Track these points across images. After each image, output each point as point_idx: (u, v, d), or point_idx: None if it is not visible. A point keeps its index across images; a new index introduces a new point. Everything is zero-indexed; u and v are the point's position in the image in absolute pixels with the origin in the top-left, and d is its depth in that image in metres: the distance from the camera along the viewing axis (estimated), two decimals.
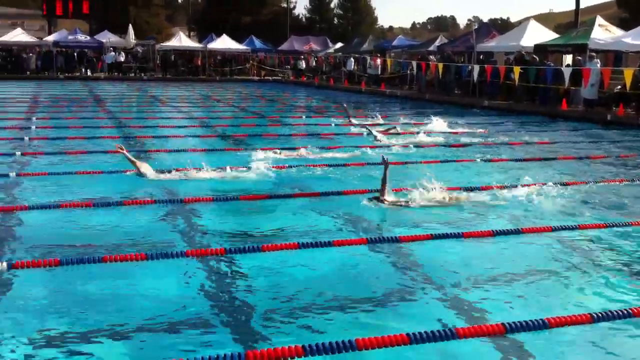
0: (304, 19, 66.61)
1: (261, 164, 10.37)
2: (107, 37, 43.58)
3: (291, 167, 10.70)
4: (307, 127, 16.57)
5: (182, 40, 46.31)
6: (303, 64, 45.87)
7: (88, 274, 5.61)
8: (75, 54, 43.98)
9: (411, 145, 13.58)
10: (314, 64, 46.36)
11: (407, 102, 28.59)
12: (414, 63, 32.08)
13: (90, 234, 6.85)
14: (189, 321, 4.69)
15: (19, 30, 45.21)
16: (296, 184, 9.53)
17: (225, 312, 4.89)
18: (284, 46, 49.42)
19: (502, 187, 9.10)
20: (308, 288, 5.43)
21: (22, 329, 4.53)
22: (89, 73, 42.17)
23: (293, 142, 13.43)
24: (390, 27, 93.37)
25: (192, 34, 60.35)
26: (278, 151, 11.86)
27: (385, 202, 7.98)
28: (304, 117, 18.42)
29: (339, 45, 47.69)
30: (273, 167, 10.44)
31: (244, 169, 10.20)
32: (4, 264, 5.63)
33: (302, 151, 12.05)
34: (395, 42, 42.56)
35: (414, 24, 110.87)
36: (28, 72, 40.70)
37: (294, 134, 15.59)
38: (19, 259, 5.85)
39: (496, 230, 7.04)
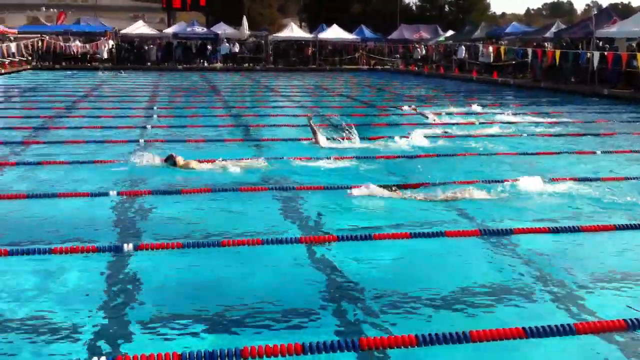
0: (414, 7, 65.90)
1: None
2: (222, 29, 44.94)
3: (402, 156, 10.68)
4: (416, 117, 16.44)
5: (293, 30, 47.05)
6: (419, 53, 45.34)
7: (208, 256, 5.87)
8: (193, 46, 45.65)
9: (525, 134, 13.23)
10: (423, 52, 45.82)
11: (521, 90, 27.77)
12: (530, 50, 31.05)
13: (210, 218, 7.15)
14: (301, 306, 4.82)
15: (140, 22, 47.47)
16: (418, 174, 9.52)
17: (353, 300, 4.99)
18: (394, 35, 49.11)
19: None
20: (422, 278, 5.44)
21: (144, 306, 4.82)
22: (205, 64, 43.69)
23: (402, 130, 13.38)
24: (503, 14, 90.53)
25: (303, 24, 61.14)
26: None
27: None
28: (413, 105, 18.27)
29: (449, 33, 46.83)
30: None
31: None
32: (130, 245, 6.00)
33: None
34: (508, 29, 41.28)
35: (528, 10, 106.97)
36: (149, 64, 42.64)
37: (404, 123, 15.52)
38: (144, 241, 6.20)
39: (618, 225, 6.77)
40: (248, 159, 10.03)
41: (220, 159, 9.84)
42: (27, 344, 4.21)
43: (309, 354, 3.81)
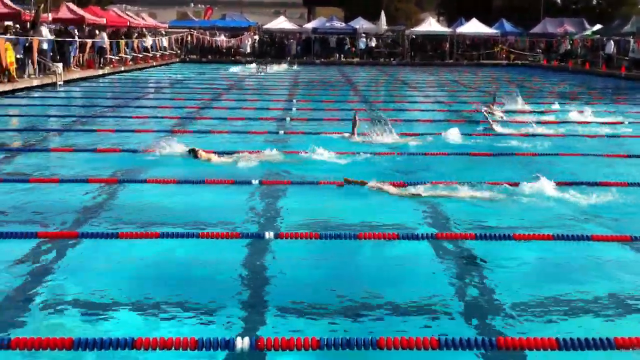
0: (558, 0, 63.03)
1: None
2: (360, 24, 45.31)
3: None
4: (559, 114, 15.80)
5: (431, 25, 46.58)
6: (563, 47, 43.39)
7: (343, 247, 6.01)
8: (331, 40, 46.34)
9: None
10: (568, 47, 43.77)
11: None
12: None
13: (344, 211, 7.30)
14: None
15: (282, 18, 48.90)
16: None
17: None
18: (536, 29, 47.30)
19: None
20: (563, 281, 5.29)
21: (279, 290, 5.03)
22: (342, 58, 44.22)
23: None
24: None
25: (440, 18, 60.30)
26: None
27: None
28: (556, 103, 17.56)
29: (597, 27, 44.42)
30: None
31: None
32: (271, 233, 6.25)
33: None
34: None
35: None
36: (288, 58, 43.76)
37: (545, 120, 14.97)
38: (284, 230, 6.44)
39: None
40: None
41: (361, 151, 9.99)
42: (169, 321, 4.52)
43: (444, 349, 3.82)
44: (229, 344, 3.90)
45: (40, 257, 5.77)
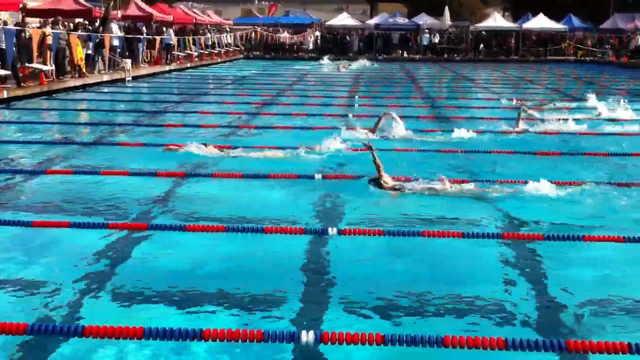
0: None
1: None
2: (423, 20, 44.91)
3: None
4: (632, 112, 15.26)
5: (496, 20, 45.71)
6: (634, 43, 41.93)
7: (406, 246, 5.99)
8: (394, 37, 46.09)
9: None
10: (638, 43, 42.25)
11: None
12: None
13: (406, 208, 7.28)
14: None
15: (344, 14, 48.88)
16: None
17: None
18: (606, 24, 45.86)
19: None
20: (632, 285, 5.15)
21: (343, 286, 5.05)
22: (405, 54, 43.94)
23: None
24: None
25: (506, 14, 59.15)
26: None
27: (385, 185, 7.74)
28: (625, 101, 17.00)
29: None
30: None
31: None
32: (334, 229, 6.29)
33: None
34: None
35: None
36: (350, 54, 43.72)
37: (617, 118, 14.51)
38: (346, 226, 6.46)
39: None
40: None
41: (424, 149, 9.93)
42: (235, 313, 4.61)
43: (511, 349, 3.77)
44: (294, 337, 3.96)
45: (111, 248, 5.96)
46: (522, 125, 12.57)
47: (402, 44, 45.36)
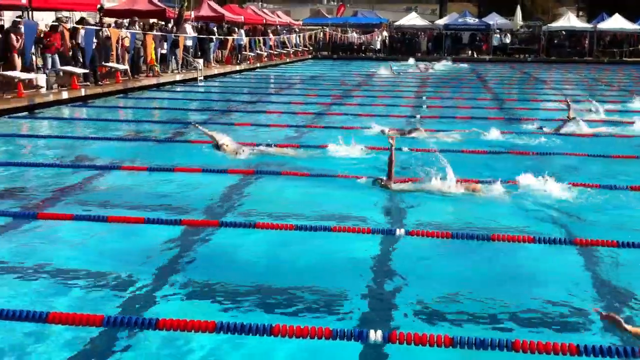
0: None
1: None
2: (494, 19, 44.14)
3: None
4: None
5: (570, 20, 44.45)
6: None
7: (476, 248, 5.95)
8: (463, 36, 45.51)
9: None
10: None
11: None
12: None
13: (477, 210, 7.21)
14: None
15: (413, 14, 48.51)
16: None
17: None
18: None
19: None
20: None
21: (411, 287, 5.05)
22: (475, 55, 43.31)
23: None
24: None
25: (580, 13, 57.52)
26: None
27: (390, 186, 7.78)
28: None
29: None
30: None
31: None
32: (402, 230, 6.29)
33: None
34: None
35: None
36: (419, 54, 43.39)
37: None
38: (414, 228, 6.45)
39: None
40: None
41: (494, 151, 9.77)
42: (301, 311, 4.69)
43: (583, 355, 3.72)
44: (362, 336, 3.99)
45: (183, 243, 6.13)
46: (567, 127, 12.41)
47: (471, 44, 44.72)
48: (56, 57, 17.35)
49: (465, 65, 36.20)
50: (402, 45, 45.57)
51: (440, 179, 7.73)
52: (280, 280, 5.19)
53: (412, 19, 46.68)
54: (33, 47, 16.40)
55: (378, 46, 44.89)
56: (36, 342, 4.16)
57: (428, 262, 5.74)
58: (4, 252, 5.80)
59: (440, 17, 49.86)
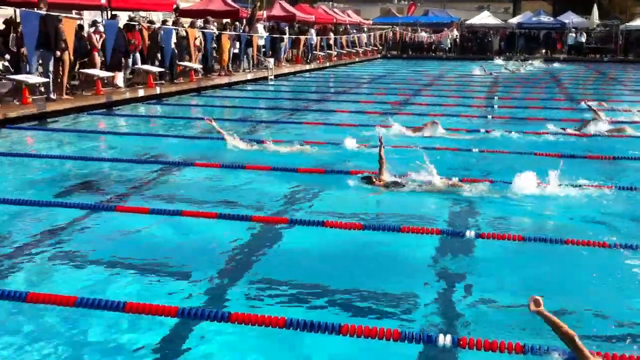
0: None
1: None
2: (570, 18, 42.96)
3: None
4: None
5: None
6: None
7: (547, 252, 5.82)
8: (537, 35, 44.47)
9: None
10: None
11: None
12: None
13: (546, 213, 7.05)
14: None
15: (485, 13, 47.77)
16: None
17: None
18: None
19: None
20: None
21: (478, 291, 5.00)
22: (549, 54, 42.27)
23: None
24: None
25: None
26: None
27: (379, 183, 7.80)
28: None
29: None
30: None
31: None
32: (472, 232, 6.22)
33: None
34: None
35: None
36: (488, 53, 42.63)
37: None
38: (485, 230, 6.36)
39: None
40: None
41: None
42: (368, 311, 4.69)
43: None
44: (430, 339, 3.98)
45: (253, 240, 6.23)
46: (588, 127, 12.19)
47: (546, 44, 43.65)
48: (137, 55, 17.91)
49: (556, 65, 35.12)
50: (474, 44, 44.87)
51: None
52: (347, 280, 5.21)
53: (484, 18, 45.95)
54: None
55: (448, 45, 44.35)
56: (113, 331, 4.32)
57: (498, 265, 5.65)
58: (84, 244, 6.04)
59: (514, 15, 48.87)
